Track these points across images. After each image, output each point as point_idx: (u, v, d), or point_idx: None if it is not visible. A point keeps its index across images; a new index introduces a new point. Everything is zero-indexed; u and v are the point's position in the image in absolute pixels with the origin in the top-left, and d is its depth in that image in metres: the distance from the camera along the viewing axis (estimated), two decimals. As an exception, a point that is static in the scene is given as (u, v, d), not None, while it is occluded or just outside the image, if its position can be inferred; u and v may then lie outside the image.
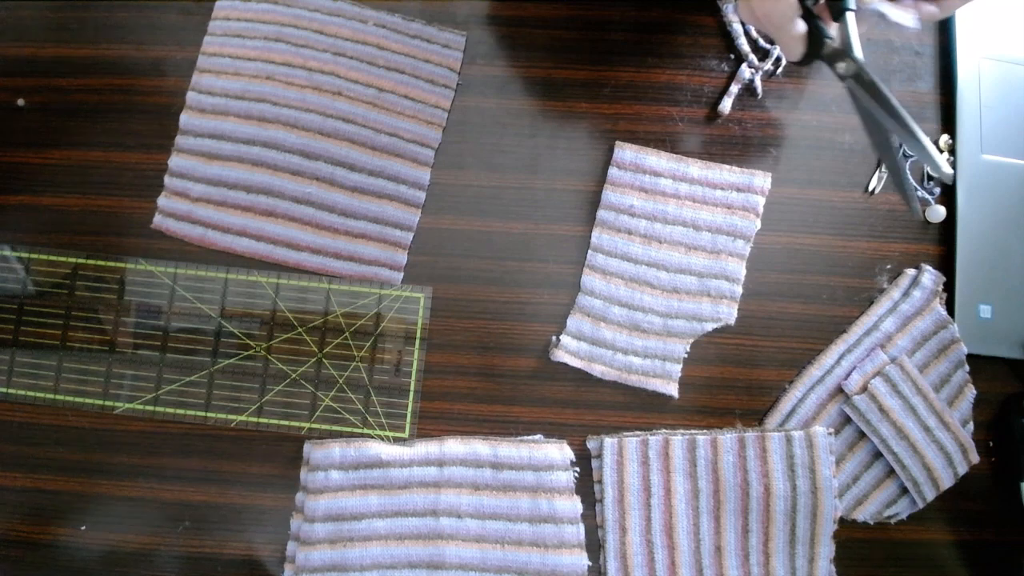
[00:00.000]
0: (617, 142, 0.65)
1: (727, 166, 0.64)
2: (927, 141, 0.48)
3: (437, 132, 0.65)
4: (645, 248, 0.63)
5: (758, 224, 0.64)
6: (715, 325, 0.62)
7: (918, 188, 0.65)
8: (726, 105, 0.65)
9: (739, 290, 0.63)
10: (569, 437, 0.61)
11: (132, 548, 0.59)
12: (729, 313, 0.62)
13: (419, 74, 0.66)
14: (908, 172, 0.65)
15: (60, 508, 0.60)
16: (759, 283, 0.63)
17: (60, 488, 0.60)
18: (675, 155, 0.65)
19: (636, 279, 0.63)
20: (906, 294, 0.63)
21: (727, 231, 0.63)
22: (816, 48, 0.51)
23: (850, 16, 0.50)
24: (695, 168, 0.64)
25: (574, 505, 0.59)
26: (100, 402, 0.61)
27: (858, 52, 0.50)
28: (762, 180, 0.64)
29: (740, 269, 0.63)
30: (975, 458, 0.60)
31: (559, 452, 0.60)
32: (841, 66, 0.51)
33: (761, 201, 0.64)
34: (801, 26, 0.50)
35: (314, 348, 0.62)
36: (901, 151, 0.65)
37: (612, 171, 0.64)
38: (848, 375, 0.61)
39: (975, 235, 0.63)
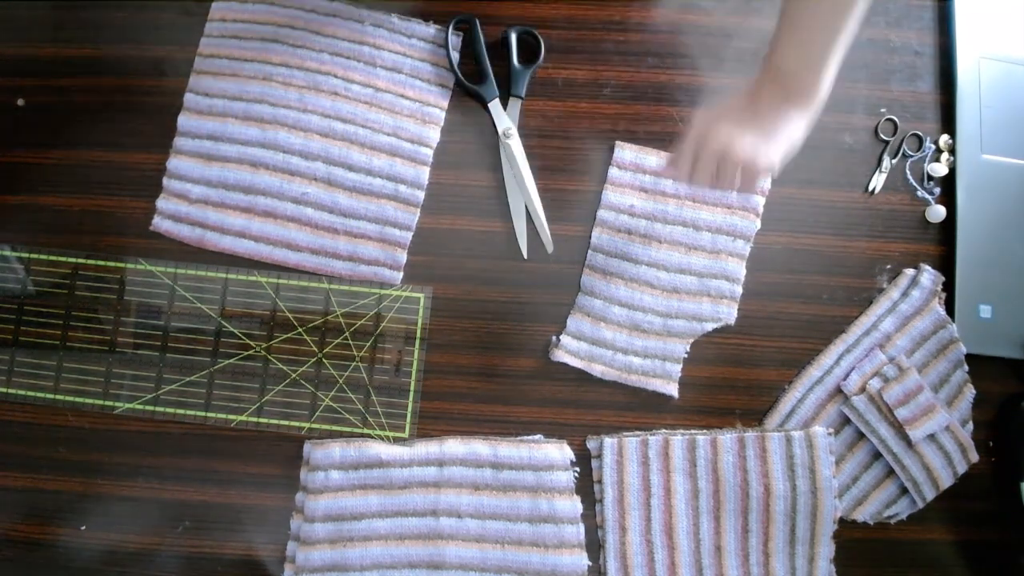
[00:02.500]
0: (617, 142, 0.65)
1: None
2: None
3: (435, 131, 0.65)
4: (645, 248, 0.63)
5: (758, 224, 0.64)
6: (715, 325, 0.62)
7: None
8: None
9: (739, 290, 0.63)
10: (569, 437, 0.61)
11: (132, 548, 0.59)
12: (729, 313, 0.62)
13: (416, 73, 0.66)
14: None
15: (60, 508, 0.60)
16: (759, 283, 0.63)
17: (60, 488, 0.60)
18: None
19: (636, 279, 0.63)
20: (905, 294, 0.63)
21: (727, 231, 0.63)
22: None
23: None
24: None
25: (574, 505, 0.59)
26: (100, 402, 0.61)
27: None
28: (762, 180, 0.64)
29: (740, 269, 0.63)
30: (974, 457, 0.60)
31: (559, 452, 0.60)
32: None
33: (761, 201, 0.64)
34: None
35: (314, 348, 0.62)
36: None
37: (612, 171, 0.64)
38: (847, 375, 0.61)
39: (975, 235, 0.63)
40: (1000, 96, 0.66)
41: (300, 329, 0.62)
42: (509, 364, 0.62)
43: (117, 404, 0.61)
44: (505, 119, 0.65)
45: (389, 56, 0.66)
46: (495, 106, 0.65)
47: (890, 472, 0.60)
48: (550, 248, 0.63)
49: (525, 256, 0.63)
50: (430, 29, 0.67)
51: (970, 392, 0.62)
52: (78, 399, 0.61)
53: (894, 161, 0.65)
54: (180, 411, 0.61)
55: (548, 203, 0.64)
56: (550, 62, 0.67)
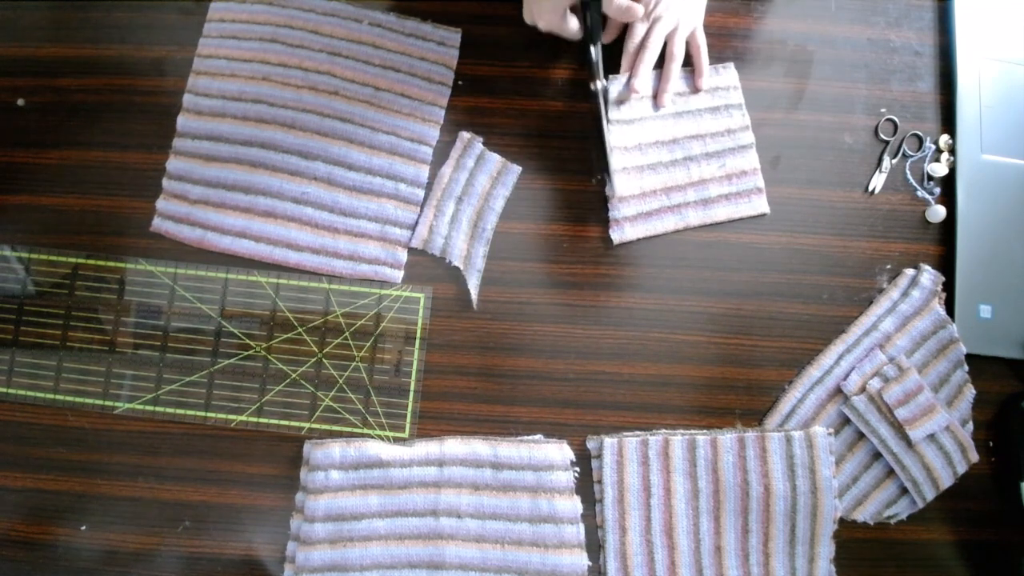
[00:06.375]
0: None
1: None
2: (613, 162, 0.63)
3: (435, 129, 0.65)
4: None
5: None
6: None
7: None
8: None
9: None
10: (569, 437, 0.61)
11: (132, 548, 0.59)
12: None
13: (415, 72, 0.66)
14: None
15: (60, 508, 0.60)
16: (759, 283, 0.63)
17: (60, 488, 0.60)
18: None
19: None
20: (905, 294, 0.63)
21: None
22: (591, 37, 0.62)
23: (595, 49, 0.62)
24: None
25: (574, 505, 0.59)
26: (100, 402, 0.61)
27: (600, 79, 0.62)
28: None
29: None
30: (974, 457, 0.60)
31: (559, 452, 0.60)
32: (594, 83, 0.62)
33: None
34: (574, 23, 0.62)
35: (314, 348, 0.62)
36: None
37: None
38: (847, 375, 0.61)
39: (975, 235, 0.63)
40: (1000, 96, 0.66)
41: (300, 329, 0.62)
42: (509, 364, 0.62)
43: (117, 404, 0.61)
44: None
45: (388, 55, 0.66)
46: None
47: (890, 472, 0.60)
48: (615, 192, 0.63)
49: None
50: (428, 27, 0.67)
51: (970, 392, 0.62)
52: (78, 399, 0.61)
53: (894, 161, 0.65)
54: (180, 411, 0.61)
55: (552, 203, 0.64)
56: (549, 61, 0.67)
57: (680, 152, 0.64)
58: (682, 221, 0.64)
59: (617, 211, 0.63)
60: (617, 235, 0.63)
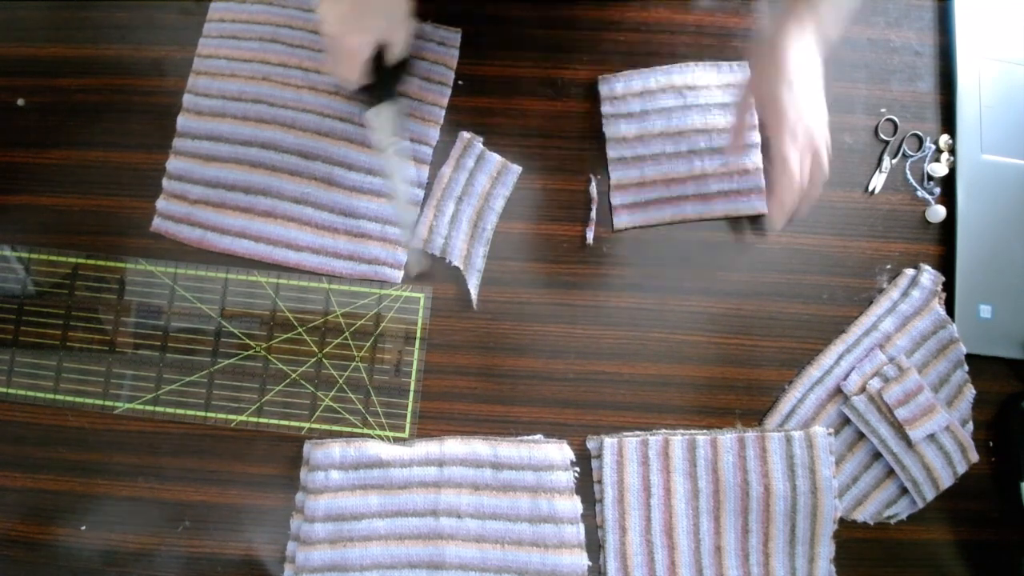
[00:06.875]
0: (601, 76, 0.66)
1: None
2: (405, 212, 0.62)
3: (435, 129, 0.65)
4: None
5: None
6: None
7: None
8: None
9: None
10: (569, 437, 0.61)
11: (132, 548, 0.59)
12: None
13: (415, 71, 0.66)
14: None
15: (60, 508, 0.60)
16: (759, 283, 0.63)
17: (60, 488, 0.60)
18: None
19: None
20: (905, 294, 0.63)
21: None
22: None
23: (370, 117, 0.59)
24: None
25: (574, 505, 0.59)
26: (100, 402, 0.61)
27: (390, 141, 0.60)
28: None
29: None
30: (974, 457, 0.60)
31: (559, 452, 0.60)
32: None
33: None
34: (360, 78, 0.55)
35: (314, 348, 0.62)
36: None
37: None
38: (847, 375, 0.61)
39: (975, 235, 0.63)
40: (1000, 96, 0.66)
41: (300, 329, 0.62)
42: (509, 364, 0.62)
43: (117, 404, 0.61)
44: None
45: (388, 55, 0.66)
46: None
47: (890, 472, 0.60)
48: (410, 241, 0.63)
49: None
50: (428, 26, 0.67)
51: (970, 392, 0.62)
52: (78, 399, 0.61)
53: (894, 161, 0.65)
54: (180, 411, 0.61)
55: (552, 203, 0.64)
56: (550, 62, 0.67)
57: (685, 145, 0.64)
58: (679, 213, 0.64)
59: (615, 199, 0.63)
60: (615, 223, 0.63)
